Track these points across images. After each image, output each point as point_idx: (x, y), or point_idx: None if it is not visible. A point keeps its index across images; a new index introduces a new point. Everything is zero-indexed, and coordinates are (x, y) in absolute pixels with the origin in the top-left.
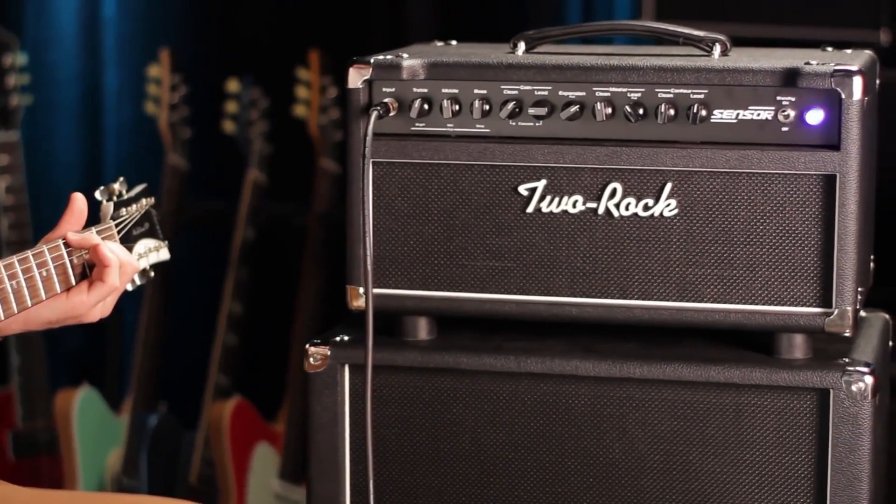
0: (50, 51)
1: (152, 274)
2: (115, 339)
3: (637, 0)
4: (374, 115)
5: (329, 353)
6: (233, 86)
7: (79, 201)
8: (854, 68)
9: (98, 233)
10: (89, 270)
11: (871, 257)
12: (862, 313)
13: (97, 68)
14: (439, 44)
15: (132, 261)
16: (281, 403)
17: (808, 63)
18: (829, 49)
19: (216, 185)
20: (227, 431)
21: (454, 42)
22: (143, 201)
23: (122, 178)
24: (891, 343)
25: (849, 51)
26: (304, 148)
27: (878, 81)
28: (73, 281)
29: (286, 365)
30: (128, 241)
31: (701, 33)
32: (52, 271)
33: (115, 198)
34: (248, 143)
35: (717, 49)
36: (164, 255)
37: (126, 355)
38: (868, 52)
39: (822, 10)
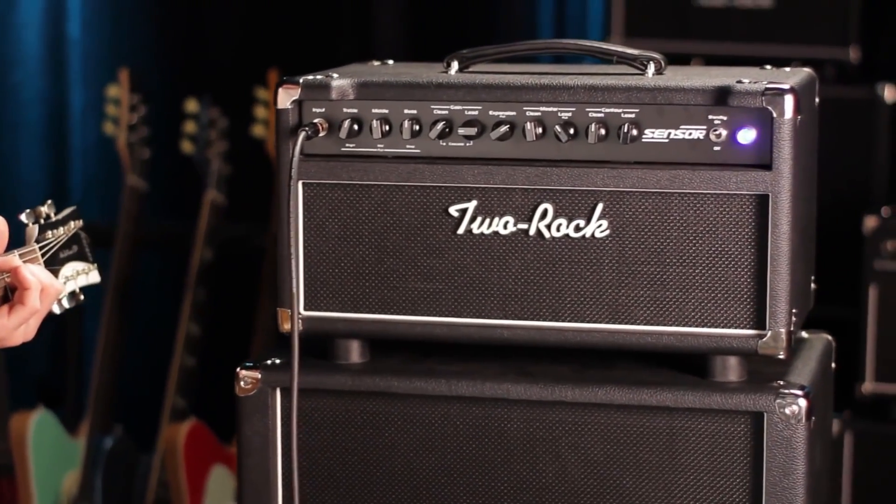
0: (14, 71)
1: (82, 297)
2: (74, 361)
3: (607, 18)
4: (302, 135)
5: (259, 376)
6: (191, 105)
7: None
8: (786, 86)
9: (21, 255)
10: (11, 294)
11: (812, 278)
12: (803, 334)
13: (62, 88)
14: (376, 63)
15: (55, 283)
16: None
17: (739, 82)
18: (769, 67)
19: (174, 205)
20: (182, 454)
21: (391, 62)
22: (72, 224)
23: (49, 201)
24: (833, 365)
25: (787, 69)
26: (262, 168)
27: (816, 99)
28: None
29: None
30: (53, 263)
31: (635, 52)
32: None
33: (41, 220)
34: (206, 164)
35: (651, 68)
36: (93, 277)
37: (86, 377)
38: (806, 70)
39: (793, 28)
